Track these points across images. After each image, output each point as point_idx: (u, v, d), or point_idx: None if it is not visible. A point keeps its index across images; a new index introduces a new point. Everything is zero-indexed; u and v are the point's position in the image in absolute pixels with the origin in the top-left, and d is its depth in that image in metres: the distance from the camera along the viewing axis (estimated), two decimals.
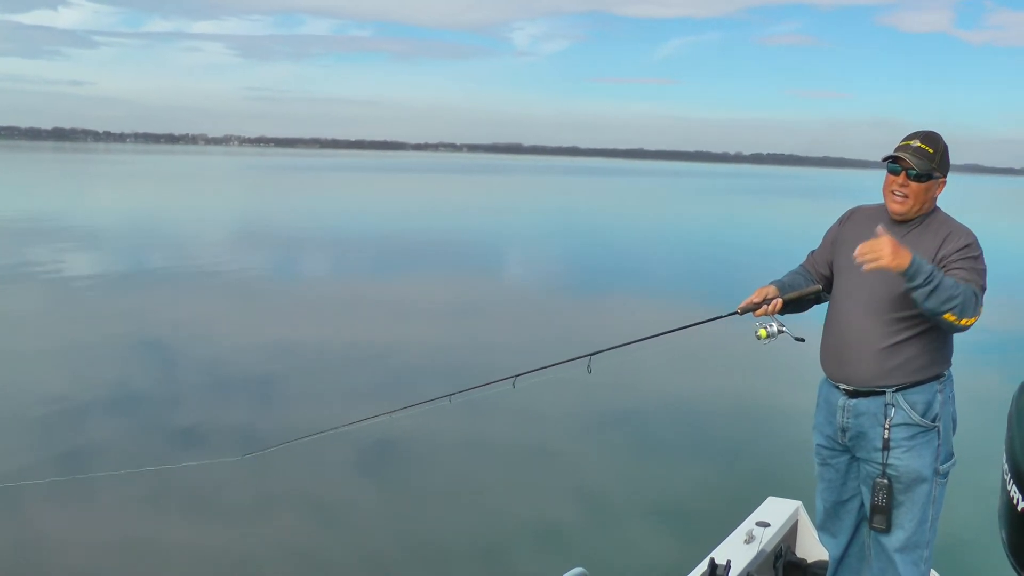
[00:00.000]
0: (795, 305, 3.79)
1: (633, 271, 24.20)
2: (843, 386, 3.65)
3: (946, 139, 3.64)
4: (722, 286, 20.28)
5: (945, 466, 3.57)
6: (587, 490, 8.14)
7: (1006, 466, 3.08)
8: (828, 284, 3.85)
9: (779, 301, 3.72)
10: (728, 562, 4.19)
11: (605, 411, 10.37)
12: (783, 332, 3.73)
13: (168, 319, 15.22)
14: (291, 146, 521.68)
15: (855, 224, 3.80)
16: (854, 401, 3.61)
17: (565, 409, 10.14)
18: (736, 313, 3.79)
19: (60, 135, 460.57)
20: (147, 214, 38.19)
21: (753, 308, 3.73)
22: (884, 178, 3.62)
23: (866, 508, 3.66)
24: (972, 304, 3.28)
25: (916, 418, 3.51)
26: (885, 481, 3.53)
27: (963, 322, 3.30)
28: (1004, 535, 3.11)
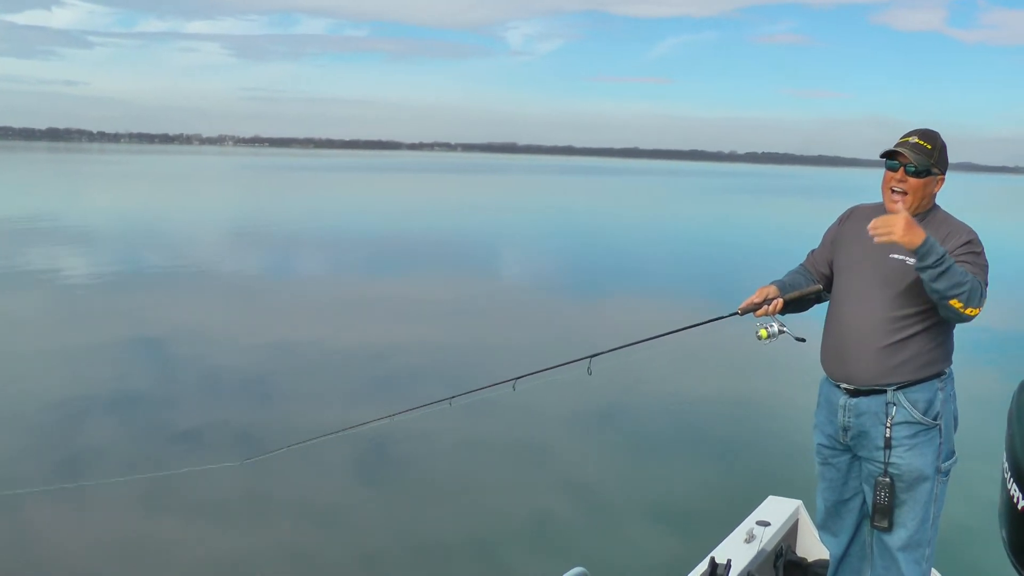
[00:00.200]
0: (796, 305, 3.79)
1: (631, 271, 24.20)
2: (844, 385, 3.65)
3: None
4: (721, 286, 20.27)
5: (947, 464, 3.58)
6: (588, 490, 8.16)
7: (1006, 464, 3.09)
8: (828, 283, 3.85)
9: (780, 301, 3.72)
10: (728, 561, 4.19)
11: (605, 412, 10.38)
12: (784, 332, 3.73)
13: (163, 320, 15.18)
14: (286, 146, 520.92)
15: (855, 223, 3.80)
16: (855, 400, 3.61)
17: (565, 410, 10.15)
18: (737, 314, 3.79)
19: (55, 135, 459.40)
20: (142, 214, 38.11)
21: (753, 308, 3.74)
22: (883, 175, 3.61)
23: (868, 507, 3.66)
24: (978, 294, 3.29)
25: (917, 416, 3.51)
26: (887, 480, 3.53)
27: (968, 311, 3.30)
28: (1004, 534, 3.11)
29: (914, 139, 3.55)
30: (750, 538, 4.51)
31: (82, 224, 32.41)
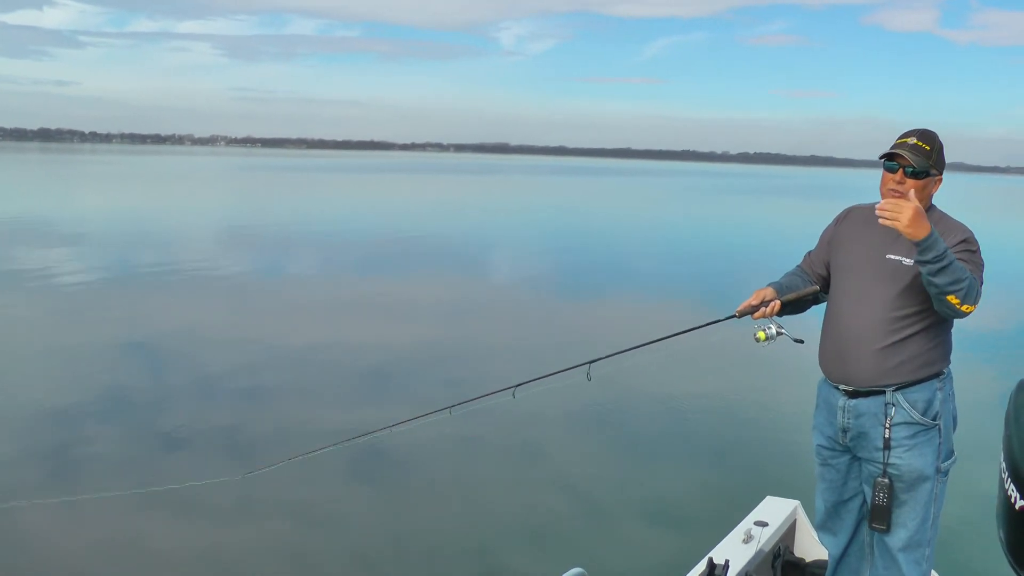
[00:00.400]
0: (793, 306, 3.78)
1: (627, 272, 24.18)
2: (843, 386, 3.65)
3: None
4: (716, 287, 20.31)
5: (946, 464, 3.58)
6: (587, 491, 8.17)
7: (1004, 465, 3.10)
8: (826, 284, 3.85)
9: (777, 303, 3.71)
10: (726, 561, 4.20)
11: (604, 415, 10.39)
12: (782, 334, 3.73)
13: (156, 325, 15.08)
14: (278, 146, 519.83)
15: (851, 224, 3.81)
16: (854, 401, 3.61)
17: (564, 413, 10.17)
18: (734, 316, 3.78)
19: (46, 135, 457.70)
20: (134, 216, 38.00)
21: (751, 311, 3.73)
22: (881, 176, 3.60)
23: (867, 508, 3.67)
24: (975, 291, 3.29)
25: (917, 417, 3.51)
26: (886, 481, 3.54)
27: (964, 308, 3.31)
28: (1002, 534, 3.13)
29: (912, 140, 3.55)
30: (748, 538, 4.52)
31: (74, 225, 32.30)
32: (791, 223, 45.73)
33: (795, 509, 4.94)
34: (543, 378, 4.16)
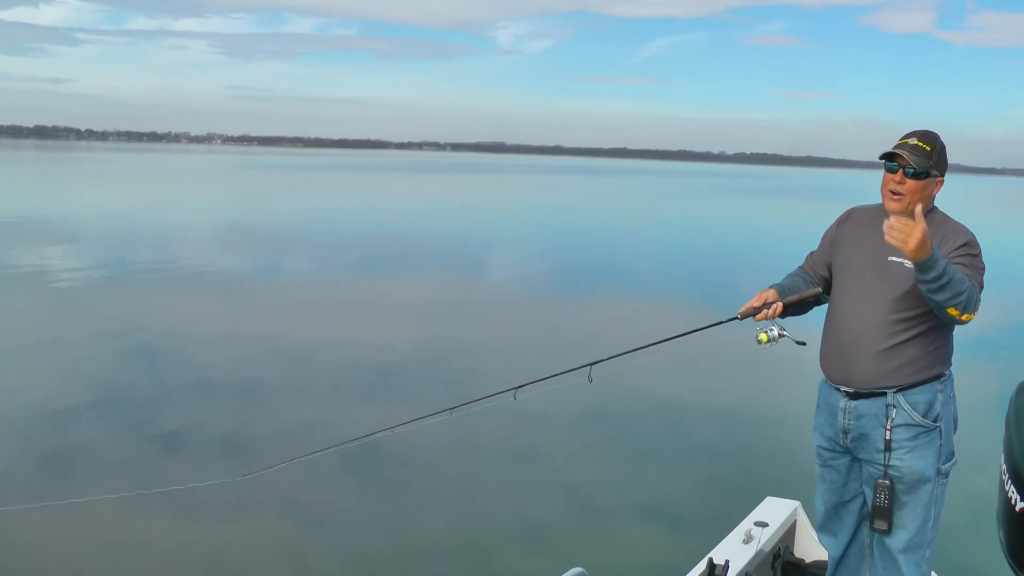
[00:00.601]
0: (795, 308, 3.78)
1: (626, 273, 24.13)
2: (844, 388, 3.64)
3: None
4: (716, 287, 20.33)
5: (947, 466, 3.59)
6: (587, 491, 8.19)
7: (1004, 467, 3.11)
8: (828, 286, 3.84)
9: (779, 305, 3.71)
10: (726, 562, 4.21)
11: (605, 416, 10.39)
12: (784, 336, 3.73)
13: (152, 324, 15.06)
14: (275, 145, 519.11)
15: (853, 225, 3.80)
16: (855, 403, 3.61)
17: (565, 414, 10.16)
18: (736, 318, 3.79)
19: (42, 133, 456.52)
20: (130, 214, 37.94)
21: (753, 313, 3.73)
22: (882, 176, 3.59)
23: (868, 509, 3.67)
24: (974, 301, 3.29)
25: (918, 419, 3.51)
26: (887, 482, 3.54)
27: (964, 317, 3.31)
28: (1002, 535, 3.14)
29: (913, 141, 3.54)
30: (748, 539, 4.53)
31: (70, 224, 32.21)
32: (788, 224, 45.80)
33: (795, 510, 4.95)
34: (544, 380, 4.16)
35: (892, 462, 3.54)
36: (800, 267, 3.99)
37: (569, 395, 9.89)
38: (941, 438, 3.56)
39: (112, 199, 47.96)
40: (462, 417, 4.48)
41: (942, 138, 3.62)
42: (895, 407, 3.53)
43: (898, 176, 3.53)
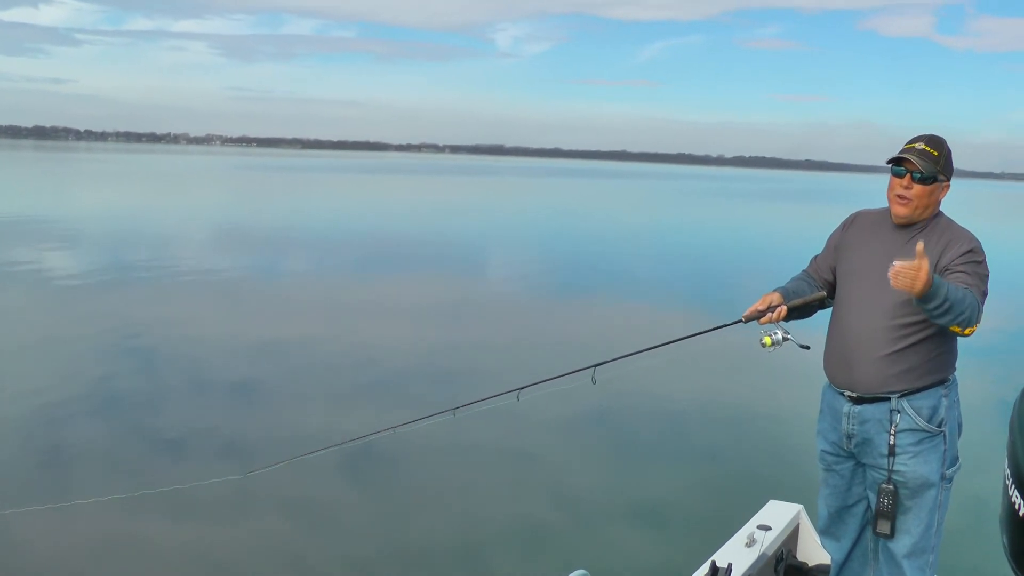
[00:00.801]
0: (800, 312, 3.78)
1: (627, 275, 24.09)
2: (848, 392, 3.64)
3: None
4: (718, 290, 20.33)
5: (951, 471, 3.58)
6: (589, 493, 8.18)
7: (1008, 471, 3.10)
8: (832, 290, 3.84)
9: (783, 309, 3.70)
10: (729, 565, 4.20)
11: (607, 418, 10.38)
12: (788, 339, 3.73)
13: (154, 324, 15.03)
14: (273, 146, 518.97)
15: (858, 229, 3.80)
16: (859, 408, 3.61)
17: (568, 416, 10.15)
18: (740, 321, 3.78)
19: (41, 133, 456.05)
20: (129, 214, 37.91)
21: (757, 316, 3.72)
22: (888, 181, 3.61)
23: (872, 514, 3.67)
24: (975, 313, 3.28)
25: (922, 423, 3.51)
26: (890, 487, 3.54)
27: (966, 331, 3.33)
28: (1005, 540, 3.13)
29: (920, 145, 3.54)
30: (751, 542, 4.52)
31: (68, 224, 32.17)
32: (788, 227, 45.82)
33: (798, 513, 4.94)
34: (547, 381, 4.16)
35: (896, 467, 3.54)
36: (804, 270, 3.99)
37: (572, 397, 9.90)
38: (945, 443, 3.56)
39: (111, 200, 47.86)
40: (465, 418, 4.48)
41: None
42: (899, 412, 3.53)
43: (905, 181, 3.53)
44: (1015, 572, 3.08)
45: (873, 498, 3.64)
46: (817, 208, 66.16)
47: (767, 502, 5.08)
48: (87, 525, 7.04)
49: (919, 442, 3.53)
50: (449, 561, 6.82)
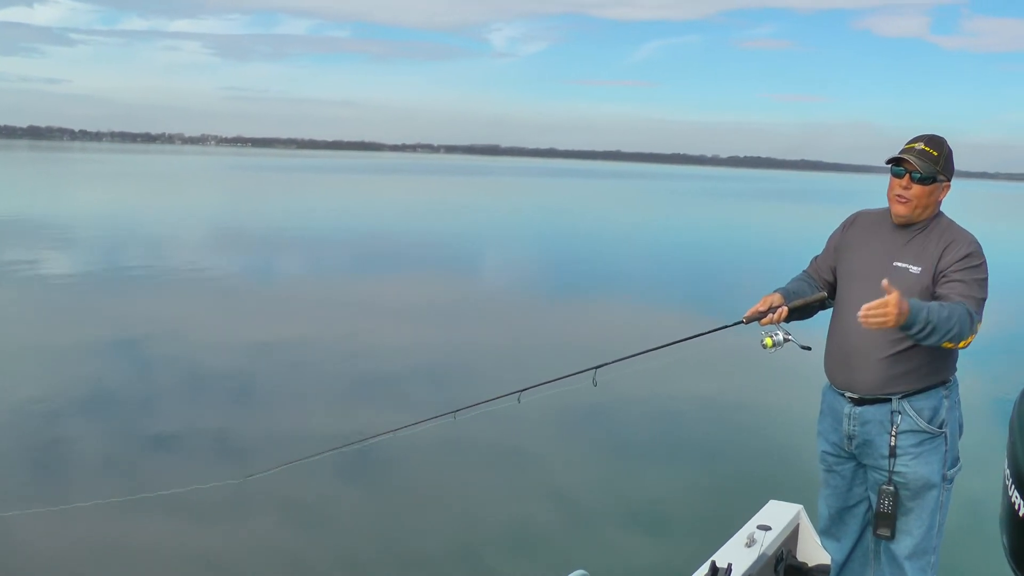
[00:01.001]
0: (800, 312, 3.77)
1: (627, 276, 24.03)
2: (848, 393, 3.64)
3: None
4: (717, 291, 20.28)
5: (951, 472, 3.58)
6: (589, 494, 8.19)
7: (1007, 471, 3.11)
8: (832, 290, 3.84)
9: (784, 309, 3.69)
10: (729, 565, 4.20)
11: (608, 419, 10.35)
12: (789, 341, 3.71)
13: (150, 325, 14.96)
14: (268, 146, 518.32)
15: (859, 229, 3.80)
16: (860, 409, 3.61)
17: (568, 417, 10.15)
18: (741, 322, 3.77)
19: (35, 133, 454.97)
20: (124, 215, 37.82)
21: (758, 317, 3.71)
22: (888, 181, 3.60)
23: (872, 515, 3.68)
24: (968, 327, 3.28)
25: (923, 425, 3.51)
26: (891, 488, 3.54)
27: (960, 345, 3.33)
28: (1005, 540, 3.14)
29: (920, 145, 3.54)
30: (751, 542, 4.53)
31: (63, 224, 32.06)
32: (784, 227, 45.87)
33: (798, 513, 4.95)
34: (549, 383, 4.16)
35: (897, 468, 3.54)
36: (804, 271, 3.98)
37: (573, 398, 9.92)
38: (946, 444, 3.56)
39: (106, 200, 47.77)
40: (465, 420, 4.48)
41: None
42: (900, 413, 3.53)
43: (904, 181, 3.53)
44: (1015, 572, 3.08)
45: (874, 499, 3.65)
46: (813, 208, 66.25)
47: (767, 502, 5.09)
48: (86, 528, 7.02)
49: (920, 443, 3.53)
50: (450, 563, 6.81)
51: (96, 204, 44.33)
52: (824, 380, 3.83)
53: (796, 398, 10.32)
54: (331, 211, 45.98)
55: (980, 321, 3.37)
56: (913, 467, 3.53)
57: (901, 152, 3.56)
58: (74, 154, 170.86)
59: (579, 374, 4.03)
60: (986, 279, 3.47)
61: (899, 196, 3.56)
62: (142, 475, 8.11)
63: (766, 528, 4.65)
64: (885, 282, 3.17)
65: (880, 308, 3.09)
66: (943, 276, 3.43)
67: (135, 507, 7.01)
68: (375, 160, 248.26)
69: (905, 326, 3.16)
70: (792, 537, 4.87)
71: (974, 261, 3.45)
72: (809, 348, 3.79)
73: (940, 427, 3.54)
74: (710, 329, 3.91)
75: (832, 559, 3.99)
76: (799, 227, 42.88)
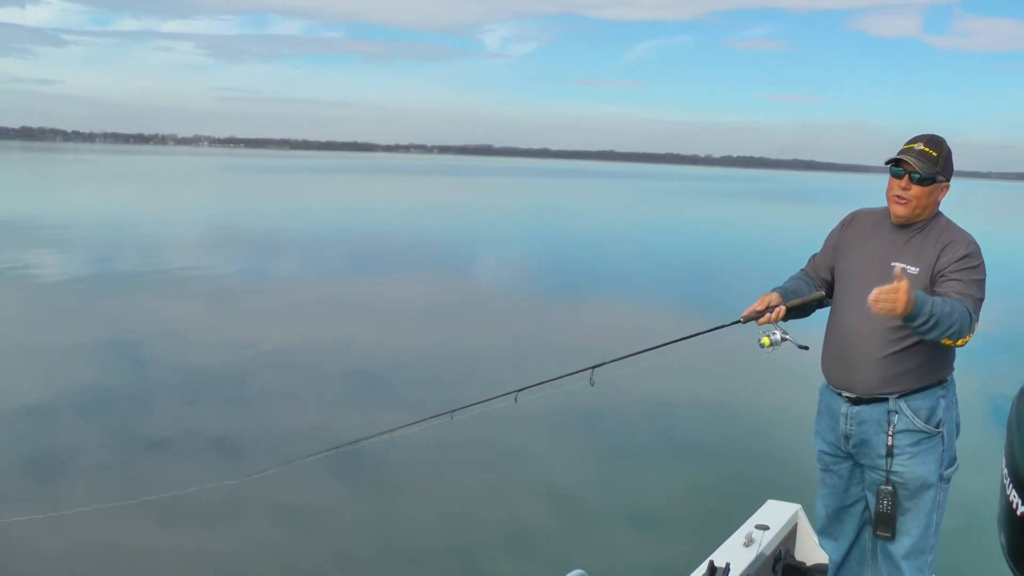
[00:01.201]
0: (798, 312, 3.78)
1: (622, 276, 23.98)
2: (846, 393, 3.64)
3: None
4: (713, 290, 20.31)
5: (949, 471, 3.59)
6: (587, 494, 8.18)
7: (1005, 471, 3.12)
8: (830, 289, 3.84)
9: (782, 309, 3.70)
10: (727, 564, 4.21)
11: (605, 419, 10.34)
12: (786, 340, 3.73)
13: (144, 327, 14.92)
14: (262, 147, 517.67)
15: (857, 228, 3.80)
16: (857, 408, 3.61)
17: (565, 417, 10.14)
18: (739, 322, 3.78)
19: (28, 134, 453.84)
20: (117, 216, 37.70)
21: (756, 316, 3.71)
22: (887, 181, 3.60)
23: (870, 514, 3.69)
24: (967, 326, 3.29)
25: (920, 424, 3.52)
26: (889, 488, 3.54)
27: (959, 343, 3.34)
28: (1003, 539, 3.15)
29: (919, 146, 3.54)
30: (749, 542, 4.54)
31: (56, 225, 31.95)
32: (779, 226, 45.96)
33: (796, 513, 4.96)
34: (546, 383, 4.16)
35: (894, 468, 3.54)
36: (802, 269, 3.98)
37: (570, 398, 9.91)
38: (943, 444, 3.56)
39: (99, 201, 47.68)
40: (462, 420, 4.49)
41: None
42: (897, 413, 3.53)
43: (903, 182, 3.53)
44: (1013, 571, 3.09)
45: (871, 499, 3.65)
46: (808, 208, 66.37)
47: (765, 502, 5.10)
48: (84, 532, 6.98)
49: (917, 443, 3.54)
50: (448, 563, 6.80)
51: (89, 205, 44.21)
52: (821, 379, 3.83)
53: (794, 398, 10.33)
54: (325, 212, 45.94)
55: (977, 321, 3.37)
56: (910, 467, 3.53)
57: (900, 153, 3.57)
58: (67, 155, 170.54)
59: (576, 374, 4.03)
60: (984, 280, 3.48)
61: (898, 197, 3.56)
62: (139, 477, 8.07)
63: (764, 528, 4.66)
64: (898, 269, 3.18)
65: (891, 293, 3.09)
66: (941, 276, 3.44)
67: (134, 510, 7.00)
68: (368, 160, 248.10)
69: (910, 317, 3.15)
70: (790, 537, 4.88)
71: (972, 262, 3.45)
72: (807, 347, 3.79)
73: (937, 427, 3.55)
74: (707, 328, 3.92)
75: (830, 559, 3.99)
76: (794, 227, 42.96)
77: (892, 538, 3.60)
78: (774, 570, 4.60)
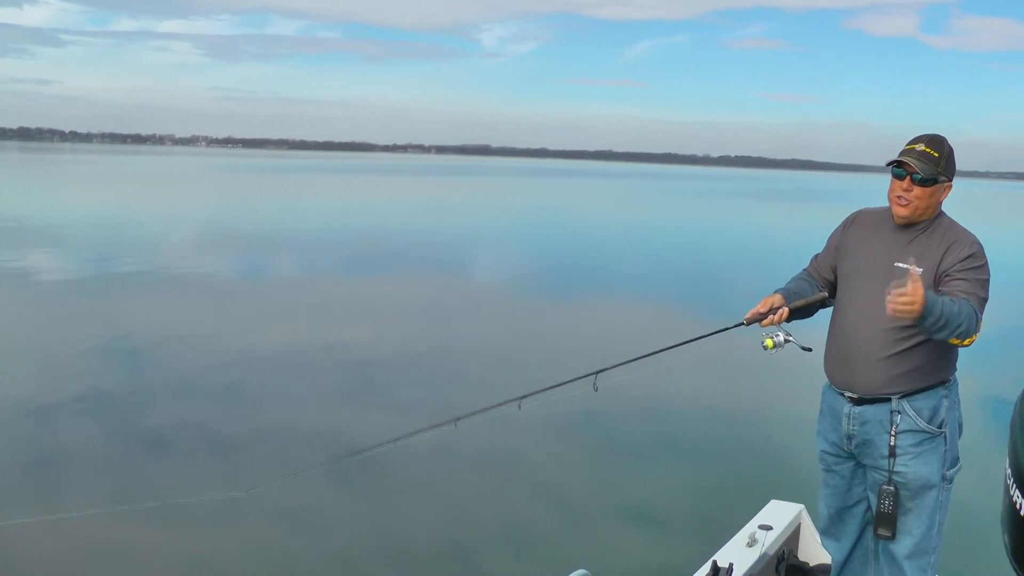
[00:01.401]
0: (801, 313, 3.79)
1: (623, 278, 23.86)
2: (848, 393, 3.64)
3: None
4: (714, 291, 20.21)
5: (951, 472, 3.59)
6: (591, 495, 8.18)
7: (1009, 471, 3.13)
8: (833, 289, 3.84)
9: (785, 310, 3.70)
10: (730, 565, 4.22)
11: (609, 421, 10.32)
12: (790, 342, 3.73)
13: (143, 329, 14.83)
14: (259, 147, 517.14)
15: (859, 228, 3.80)
16: (860, 408, 3.61)
17: (569, 421, 10.12)
18: (742, 324, 3.78)
19: (25, 135, 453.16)
20: (115, 216, 37.63)
21: (759, 318, 3.72)
22: (889, 182, 3.61)
23: (872, 515, 3.69)
24: (974, 325, 3.29)
25: (922, 424, 3.52)
26: (891, 488, 3.55)
27: (965, 343, 3.35)
28: (1006, 539, 3.17)
29: (921, 146, 3.54)
30: (752, 542, 4.55)
31: (55, 226, 31.89)
32: (778, 226, 45.84)
33: (799, 513, 4.97)
34: (549, 389, 4.16)
35: (897, 468, 3.55)
36: (804, 270, 3.99)
37: (574, 402, 9.88)
38: (946, 444, 3.56)
39: (97, 202, 47.60)
40: (466, 427, 4.49)
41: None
42: (900, 413, 3.54)
43: (905, 183, 3.54)
44: (1016, 571, 3.11)
45: (874, 499, 3.65)
46: (807, 208, 66.38)
47: (768, 502, 5.11)
48: (86, 536, 6.96)
49: (920, 443, 3.54)
50: (452, 564, 6.79)
51: (87, 206, 44.14)
52: (824, 380, 3.84)
53: (796, 398, 10.31)
54: (323, 212, 45.90)
55: (981, 321, 3.37)
56: (912, 467, 3.54)
57: (901, 154, 3.56)
58: (64, 155, 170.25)
59: (580, 380, 4.04)
60: (988, 280, 3.48)
61: (900, 198, 3.56)
62: (142, 484, 8.05)
63: (767, 528, 4.67)
64: (913, 271, 3.16)
65: (910, 295, 3.08)
66: (946, 276, 3.44)
67: (135, 514, 7.00)
68: (366, 160, 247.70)
69: (922, 317, 3.15)
70: (793, 537, 4.89)
71: (977, 262, 3.46)
72: (810, 349, 3.80)
73: (940, 427, 3.55)
74: (711, 332, 3.91)
75: (832, 559, 3.99)
76: (793, 227, 42.91)
77: (892, 538, 3.60)
78: (777, 570, 4.61)
